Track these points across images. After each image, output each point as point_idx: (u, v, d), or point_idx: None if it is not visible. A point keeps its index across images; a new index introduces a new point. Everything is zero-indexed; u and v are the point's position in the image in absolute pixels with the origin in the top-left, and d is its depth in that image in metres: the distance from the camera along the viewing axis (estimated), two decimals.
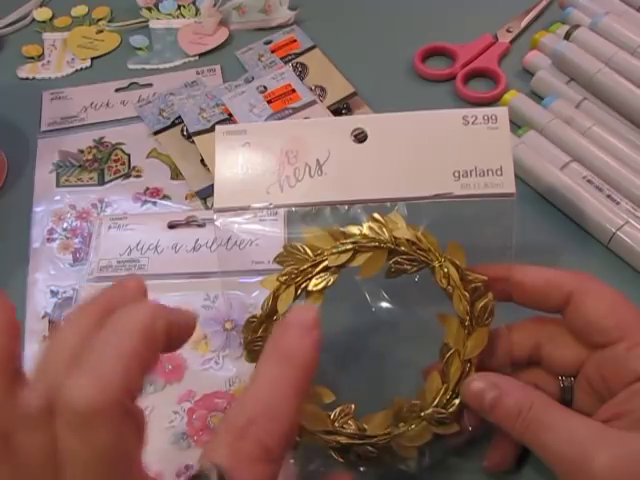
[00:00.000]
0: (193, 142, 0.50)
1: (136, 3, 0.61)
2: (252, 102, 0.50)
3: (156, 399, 0.38)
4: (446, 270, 0.32)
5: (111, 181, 0.49)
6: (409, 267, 0.32)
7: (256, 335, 0.32)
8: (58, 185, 0.49)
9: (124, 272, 0.43)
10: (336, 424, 0.34)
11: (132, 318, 0.23)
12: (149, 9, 0.61)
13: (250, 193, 0.33)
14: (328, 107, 0.51)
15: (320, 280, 0.32)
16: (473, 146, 0.33)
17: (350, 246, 0.31)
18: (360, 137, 0.33)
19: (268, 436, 0.23)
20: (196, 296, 0.42)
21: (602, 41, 0.49)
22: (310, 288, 0.32)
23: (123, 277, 0.27)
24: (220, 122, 0.50)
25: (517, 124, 0.49)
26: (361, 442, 0.33)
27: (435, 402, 0.33)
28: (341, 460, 0.34)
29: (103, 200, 0.48)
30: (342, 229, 0.32)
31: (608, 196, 0.43)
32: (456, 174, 0.32)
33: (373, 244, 0.32)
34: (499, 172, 0.32)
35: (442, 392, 0.33)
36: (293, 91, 0.51)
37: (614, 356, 0.30)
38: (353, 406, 0.34)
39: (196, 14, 0.60)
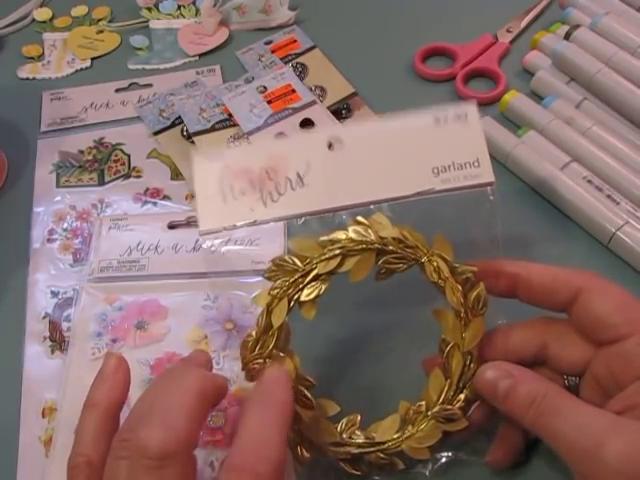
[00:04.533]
0: (193, 142, 0.50)
1: (136, 3, 0.61)
2: (252, 102, 0.50)
3: None
4: (435, 264, 0.32)
5: (111, 181, 0.49)
6: (399, 266, 0.32)
7: (254, 354, 0.32)
8: (58, 185, 0.49)
9: (124, 272, 0.43)
10: (344, 435, 0.33)
11: (188, 382, 0.29)
12: (149, 9, 0.61)
13: (234, 212, 0.33)
14: (328, 107, 0.51)
15: (312, 289, 0.31)
16: (448, 143, 0.33)
17: (338, 251, 0.31)
18: (336, 147, 0.34)
19: (261, 466, 0.27)
20: (196, 296, 0.42)
21: (602, 41, 0.49)
22: (302, 299, 0.31)
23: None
24: (220, 122, 0.50)
25: (517, 124, 0.49)
26: (372, 450, 0.33)
27: (441, 399, 0.33)
28: (354, 471, 0.34)
29: (103, 200, 0.48)
30: (328, 236, 0.32)
31: (608, 196, 0.43)
32: (435, 170, 0.33)
33: (361, 246, 0.31)
34: (476, 164, 0.33)
35: (446, 388, 0.33)
36: (293, 91, 0.51)
37: (624, 351, 0.30)
38: (359, 416, 0.34)
39: (196, 14, 0.60)
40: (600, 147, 0.46)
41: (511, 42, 0.55)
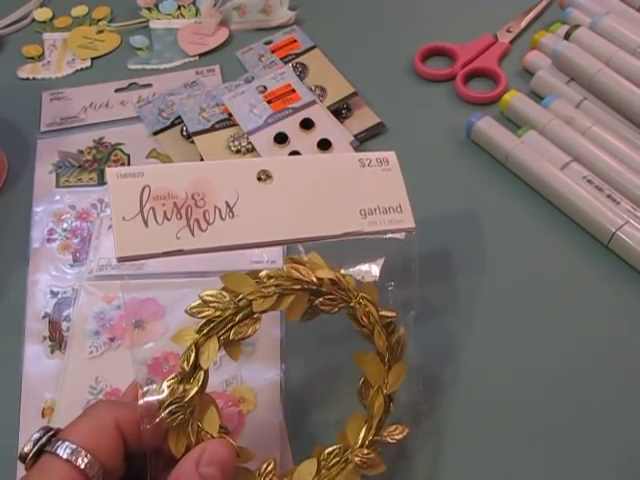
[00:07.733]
0: (193, 142, 0.50)
1: (136, 3, 0.61)
2: (252, 102, 0.50)
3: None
4: (366, 308, 0.33)
5: None
6: (331, 307, 0.32)
7: (175, 397, 0.29)
8: (58, 185, 0.49)
9: (123, 271, 0.43)
10: None
11: None
12: (149, 9, 0.61)
13: (158, 238, 0.30)
14: (328, 107, 0.51)
15: (243, 328, 0.30)
16: (373, 186, 0.34)
17: (273, 289, 0.30)
18: (265, 179, 0.33)
19: None
20: (195, 295, 0.42)
21: (602, 41, 0.49)
22: (232, 337, 0.30)
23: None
24: (220, 122, 0.50)
25: (517, 124, 0.49)
26: None
27: (359, 443, 0.33)
28: None
29: (103, 200, 0.48)
30: (263, 272, 0.31)
31: (608, 196, 0.43)
32: (362, 212, 0.33)
33: (298, 286, 0.31)
34: (399, 209, 0.34)
35: (365, 431, 0.33)
36: (293, 91, 0.51)
37: None
38: (273, 462, 0.32)
39: (196, 14, 0.60)
40: (600, 147, 0.46)
41: (511, 42, 0.55)
